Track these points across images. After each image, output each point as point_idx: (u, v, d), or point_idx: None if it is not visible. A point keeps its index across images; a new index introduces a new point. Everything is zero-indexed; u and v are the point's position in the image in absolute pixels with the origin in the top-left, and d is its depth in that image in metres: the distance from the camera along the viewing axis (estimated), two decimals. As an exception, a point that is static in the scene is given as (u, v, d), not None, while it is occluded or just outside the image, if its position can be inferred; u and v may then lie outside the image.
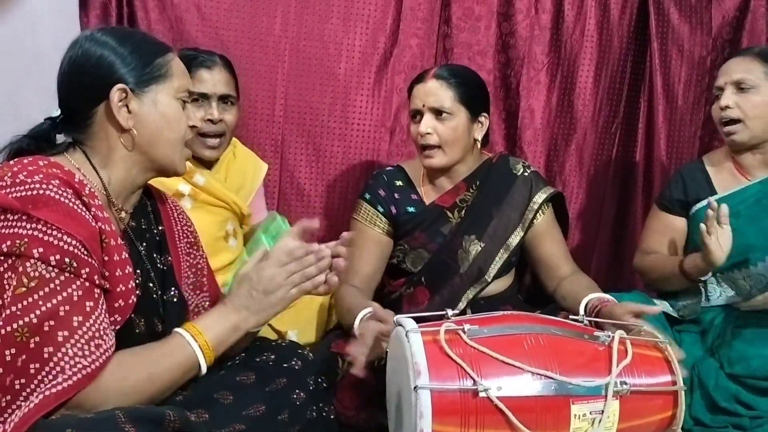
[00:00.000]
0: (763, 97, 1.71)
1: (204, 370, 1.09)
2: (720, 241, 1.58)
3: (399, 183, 1.87)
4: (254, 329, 1.18)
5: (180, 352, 1.07)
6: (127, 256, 1.09)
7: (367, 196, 1.85)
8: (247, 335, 1.21)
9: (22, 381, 0.93)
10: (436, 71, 1.78)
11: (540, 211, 1.81)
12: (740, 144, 1.76)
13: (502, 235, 1.80)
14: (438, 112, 1.73)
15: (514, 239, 1.80)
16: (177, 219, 1.31)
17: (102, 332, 0.99)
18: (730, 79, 1.74)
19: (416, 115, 1.77)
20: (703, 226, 1.59)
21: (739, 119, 1.73)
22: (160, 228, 1.26)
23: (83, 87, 1.11)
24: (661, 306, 1.79)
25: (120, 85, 1.09)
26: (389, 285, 1.89)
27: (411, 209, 1.84)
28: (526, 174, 1.84)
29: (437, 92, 1.73)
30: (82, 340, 0.96)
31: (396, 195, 1.85)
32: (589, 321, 1.41)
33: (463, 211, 1.82)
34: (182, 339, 1.08)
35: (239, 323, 1.13)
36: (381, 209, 1.83)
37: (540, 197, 1.81)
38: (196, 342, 1.08)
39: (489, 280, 1.78)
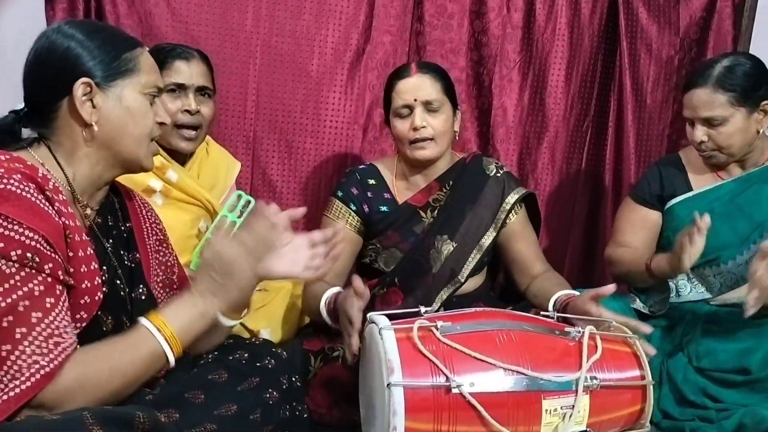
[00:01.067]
0: (734, 125, 1.68)
1: (172, 361, 1.06)
2: (691, 252, 1.55)
3: (372, 181, 1.86)
4: (233, 316, 1.15)
5: (144, 345, 1.04)
6: (92, 252, 1.07)
7: (340, 193, 1.84)
8: (223, 330, 1.19)
9: None
10: (418, 65, 1.78)
11: (513, 212, 1.83)
12: (719, 164, 1.78)
13: (474, 235, 1.80)
14: (429, 105, 1.74)
15: (487, 239, 1.81)
16: (145, 216, 1.29)
17: (62, 330, 0.97)
18: (698, 116, 1.70)
19: (404, 109, 1.75)
20: (685, 239, 1.54)
21: (714, 149, 1.72)
22: (127, 225, 1.24)
23: (48, 80, 1.09)
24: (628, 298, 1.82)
25: (84, 79, 1.07)
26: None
27: (384, 208, 1.83)
28: (498, 174, 1.85)
29: (426, 86, 1.74)
30: (40, 338, 0.94)
31: (369, 194, 1.84)
32: (560, 317, 1.42)
33: (436, 211, 1.82)
34: (146, 331, 1.04)
35: (206, 310, 1.09)
36: (353, 207, 1.82)
37: (512, 198, 1.82)
38: (161, 334, 1.04)
39: (462, 280, 1.79)
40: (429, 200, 1.83)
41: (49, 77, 1.09)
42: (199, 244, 1.73)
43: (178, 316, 1.07)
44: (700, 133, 1.71)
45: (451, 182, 1.84)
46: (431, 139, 1.74)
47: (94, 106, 1.09)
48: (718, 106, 1.67)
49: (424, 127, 1.73)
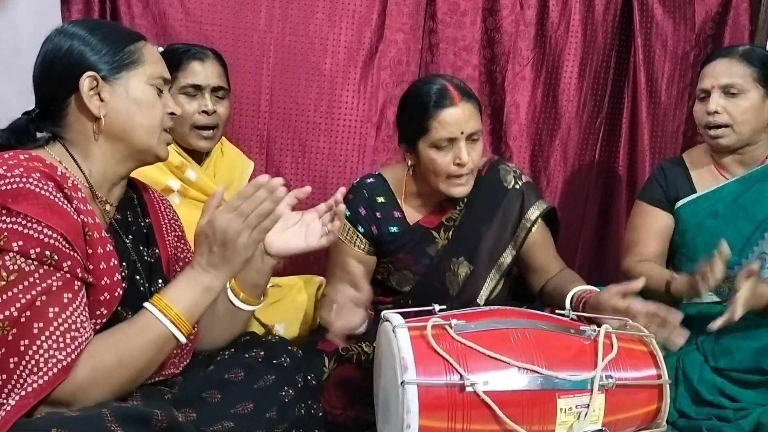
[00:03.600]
0: (751, 101, 1.68)
1: (183, 340, 1.06)
2: (710, 280, 1.50)
3: (381, 199, 1.74)
4: (250, 301, 1.22)
5: (150, 329, 1.04)
6: (112, 248, 1.08)
7: (347, 213, 1.68)
8: (242, 317, 1.25)
9: (3, 377, 0.93)
10: (458, 90, 1.60)
11: (532, 227, 1.72)
12: (726, 147, 1.75)
13: (493, 255, 1.71)
14: (472, 136, 1.58)
15: (506, 258, 1.73)
16: (164, 212, 1.31)
17: (79, 325, 0.98)
18: (718, 83, 1.69)
19: (446, 141, 1.57)
20: (707, 268, 1.49)
21: (727, 124, 1.70)
22: (147, 221, 1.25)
23: (55, 78, 1.11)
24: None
25: (89, 73, 1.09)
26: (378, 299, 1.80)
27: (393, 229, 1.72)
28: (517, 187, 1.73)
29: (471, 116, 1.58)
30: (57, 332, 0.95)
31: (377, 214, 1.73)
32: (576, 315, 1.42)
33: (450, 231, 1.72)
34: (151, 316, 1.04)
35: (210, 284, 1.08)
36: (361, 229, 1.72)
37: (533, 213, 1.71)
38: (166, 316, 1.04)
39: (481, 303, 1.70)
40: (443, 220, 1.73)
41: (56, 76, 1.11)
42: None
43: (181, 295, 1.06)
44: (714, 103, 1.70)
45: (465, 199, 1.71)
46: (469, 174, 1.61)
47: (101, 100, 1.10)
48: (740, 75, 1.69)
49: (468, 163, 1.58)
